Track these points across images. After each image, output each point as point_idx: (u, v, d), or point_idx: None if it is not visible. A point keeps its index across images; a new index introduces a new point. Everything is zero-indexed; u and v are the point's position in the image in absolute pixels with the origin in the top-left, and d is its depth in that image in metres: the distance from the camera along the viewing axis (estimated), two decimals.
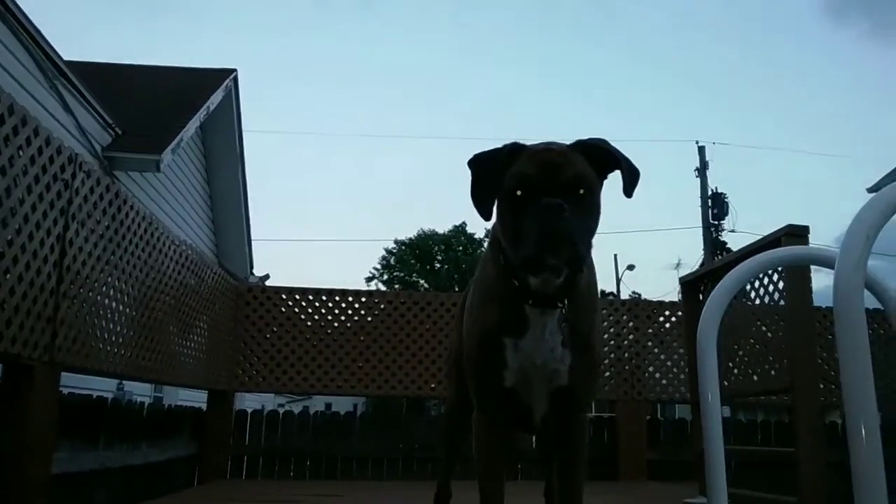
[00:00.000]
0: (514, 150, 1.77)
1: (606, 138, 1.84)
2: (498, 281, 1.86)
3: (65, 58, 7.41)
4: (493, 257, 1.90)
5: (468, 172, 1.81)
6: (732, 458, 5.51)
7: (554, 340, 1.81)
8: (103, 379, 5.88)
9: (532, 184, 1.66)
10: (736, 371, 4.30)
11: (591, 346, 1.90)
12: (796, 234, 3.77)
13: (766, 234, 3.99)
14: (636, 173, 1.80)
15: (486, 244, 2.05)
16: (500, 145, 1.81)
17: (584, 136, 1.84)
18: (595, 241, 1.78)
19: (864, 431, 1.45)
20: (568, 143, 1.81)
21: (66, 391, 3.70)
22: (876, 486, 1.44)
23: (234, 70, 11.88)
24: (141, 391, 9.22)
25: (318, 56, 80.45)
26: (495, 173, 1.74)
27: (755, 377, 4.12)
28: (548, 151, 1.73)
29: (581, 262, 1.71)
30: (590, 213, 1.71)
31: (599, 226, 1.77)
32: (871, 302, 2.09)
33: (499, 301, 1.86)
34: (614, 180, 1.84)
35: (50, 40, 7.01)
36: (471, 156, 1.83)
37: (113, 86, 9.50)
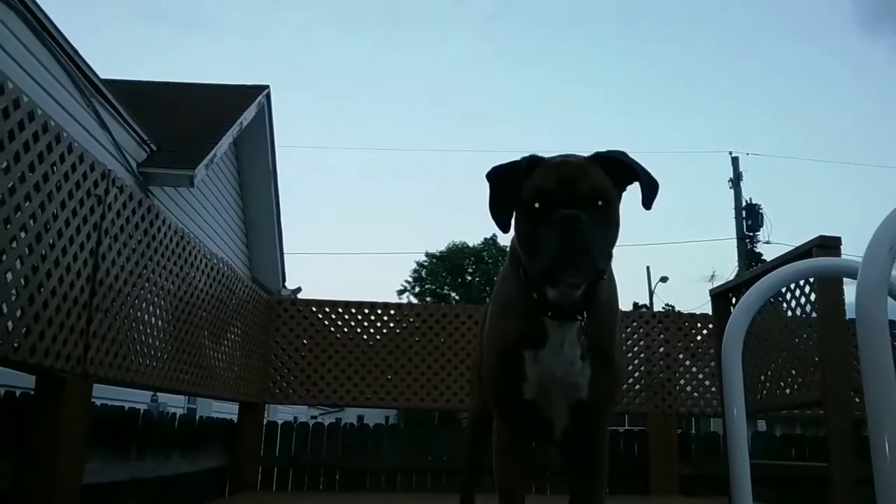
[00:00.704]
0: (532, 162, 1.78)
1: (636, 149, 1.85)
2: (518, 293, 1.87)
3: (101, 76, 7.58)
4: (512, 270, 1.91)
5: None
6: (763, 472, 5.43)
7: (573, 353, 1.81)
8: (136, 391, 5.98)
9: (550, 196, 1.67)
10: (769, 384, 4.24)
11: (611, 358, 1.89)
12: (828, 245, 3.72)
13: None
14: (655, 185, 1.80)
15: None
16: (518, 158, 1.82)
17: (611, 148, 1.84)
18: (615, 253, 1.78)
19: (887, 445, 1.44)
20: (586, 155, 1.81)
21: (99, 403, 3.77)
22: None
23: (267, 86, 12.05)
24: (175, 403, 9.33)
25: (348, 71, 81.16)
26: (513, 186, 1.75)
27: (787, 390, 4.06)
28: (565, 164, 1.74)
29: (599, 275, 1.71)
30: (608, 226, 1.70)
31: (627, 237, 1.77)
32: None
33: (518, 313, 1.86)
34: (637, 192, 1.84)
35: (86, 59, 7.18)
36: (489, 168, 1.85)
37: (148, 103, 9.69)
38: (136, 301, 3.35)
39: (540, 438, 2.09)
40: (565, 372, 1.82)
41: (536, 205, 1.69)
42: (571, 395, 1.85)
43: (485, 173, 1.84)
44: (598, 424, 1.95)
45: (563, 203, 1.64)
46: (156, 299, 3.57)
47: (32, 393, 2.84)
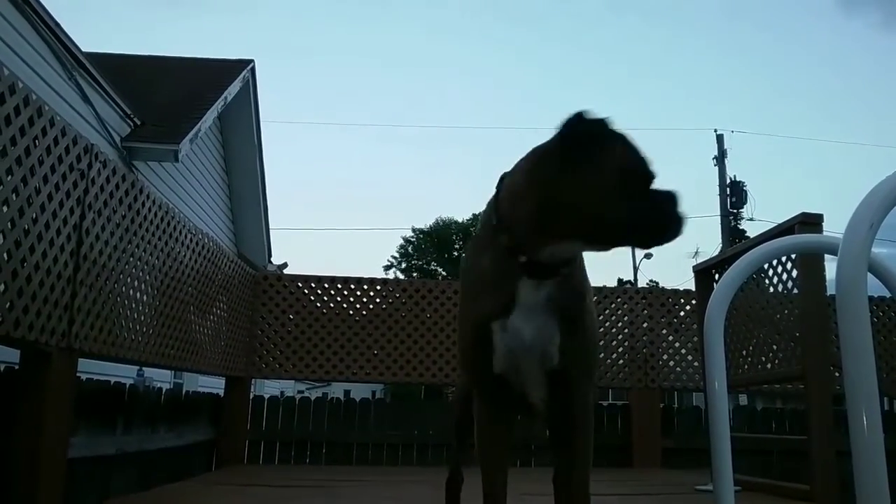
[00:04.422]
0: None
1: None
2: (493, 262, 1.84)
3: (83, 49, 7.48)
4: (490, 237, 1.86)
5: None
6: (744, 446, 5.51)
7: (542, 321, 1.80)
8: (123, 365, 5.98)
9: (648, 170, 1.70)
10: (750, 359, 4.30)
11: (583, 325, 1.87)
12: (810, 222, 3.77)
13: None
14: None
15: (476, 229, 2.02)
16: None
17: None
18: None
19: (865, 418, 1.46)
20: None
21: (85, 377, 3.76)
22: (877, 472, 1.44)
23: (252, 61, 11.92)
24: (161, 377, 9.32)
25: (336, 46, 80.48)
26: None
27: (769, 365, 4.12)
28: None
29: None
30: None
31: None
32: (878, 290, 2.09)
33: (487, 284, 1.84)
34: None
35: (69, 32, 7.08)
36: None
37: (132, 77, 9.56)
38: (121, 276, 3.34)
39: (521, 412, 2.09)
40: (534, 339, 1.80)
41: (636, 175, 1.68)
42: (544, 363, 1.82)
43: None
44: (578, 395, 1.92)
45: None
46: (140, 274, 3.56)
47: (17, 367, 2.83)
